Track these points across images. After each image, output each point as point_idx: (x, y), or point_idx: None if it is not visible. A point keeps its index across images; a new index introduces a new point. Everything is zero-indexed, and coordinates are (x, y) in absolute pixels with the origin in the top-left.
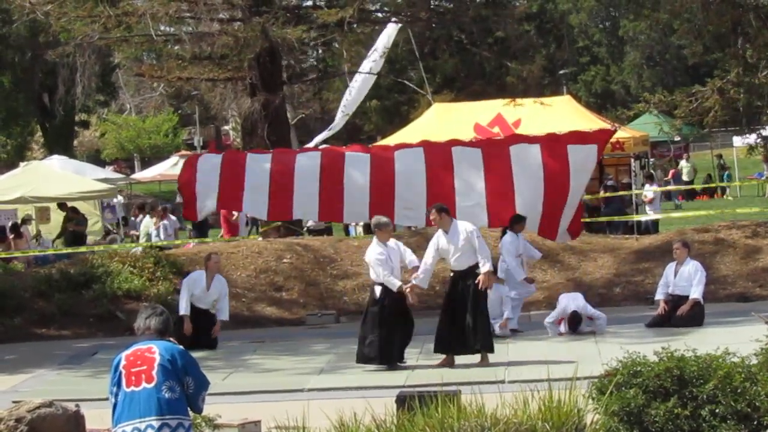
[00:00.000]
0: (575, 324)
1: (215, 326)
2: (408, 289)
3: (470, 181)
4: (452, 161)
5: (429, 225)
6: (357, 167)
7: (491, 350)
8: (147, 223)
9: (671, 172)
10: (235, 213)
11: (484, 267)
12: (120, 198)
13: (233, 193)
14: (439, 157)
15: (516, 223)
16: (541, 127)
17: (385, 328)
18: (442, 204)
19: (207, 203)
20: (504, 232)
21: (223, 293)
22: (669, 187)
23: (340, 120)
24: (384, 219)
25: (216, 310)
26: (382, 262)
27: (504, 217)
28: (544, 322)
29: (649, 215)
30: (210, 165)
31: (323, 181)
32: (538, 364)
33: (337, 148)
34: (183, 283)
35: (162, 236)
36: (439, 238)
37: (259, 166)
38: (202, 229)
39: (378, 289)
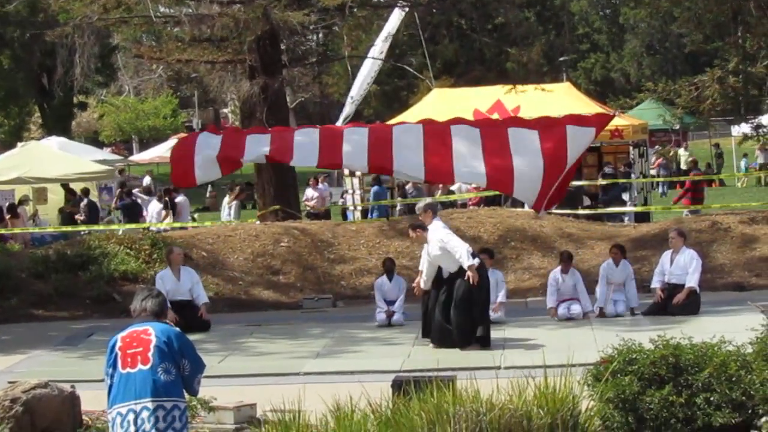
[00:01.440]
0: (567, 259)
1: (200, 310)
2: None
3: (468, 150)
4: (450, 135)
5: (427, 181)
6: (355, 132)
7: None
8: (155, 206)
9: (657, 161)
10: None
11: (466, 263)
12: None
13: (233, 152)
14: (437, 131)
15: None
16: (541, 114)
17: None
18: (418, 222)
19: (209, 170)
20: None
21: (195, 280)
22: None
23: (350, 108)
24: (420, 204)
25: (195, 298)
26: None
27: (502, 182)
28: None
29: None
30: (210, 137)
31: (322, 137)
32: (534, 350)
33: (335, 126)
34: (156, 285)
35: (233, 215)
36: (425, 249)
37: (258, 138)
38: (132, 214)
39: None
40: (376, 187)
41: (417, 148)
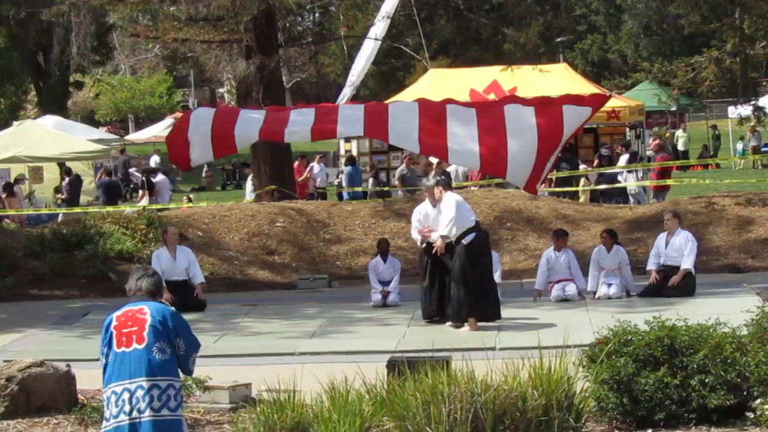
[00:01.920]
0: (561, 236)
1: (196, 290)
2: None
3: (463, 129)
4: (446, 114)
5: (422, 154)
6: (351, 107)
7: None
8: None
9: (654, 143)
10: (305, 173)
11: (441, 232)
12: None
13: (225, 138)
14: (432, 110)
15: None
16: (537, 94)
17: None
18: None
19: (202, 152)
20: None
21: (191, 259)
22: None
23: (349, 91)
24: (429, 182)
25: (191, 277)
26: (415, 216)
27: (496, 166)
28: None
29: (621, 183)
30: (203, 119)
31: (318, 113)
32: (529, 331)
33: (331, 105)
34: (152, 264)
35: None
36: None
37: (251, 115)
38: (111, 194)
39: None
40: (349, 168)
41: (412, 123)
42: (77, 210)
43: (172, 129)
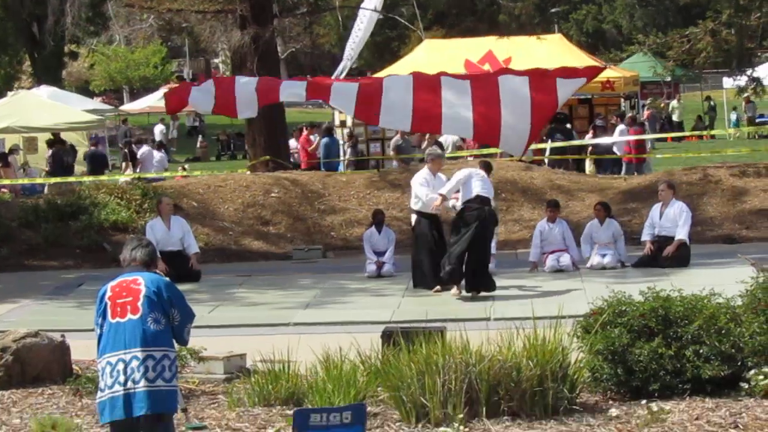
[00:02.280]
0: (554, 207)
1: (191, 260)
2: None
3: (457, 99)
4: (440, 86)
5: (413, 132)
6: (345, 83)
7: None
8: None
9: (647, 113)
10: (314, 142)
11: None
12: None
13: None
14: (427, 82)
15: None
16: (532, 65)
17: (419, 254)
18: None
19: (201, 102)
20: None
21: (186, 230)
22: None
23: (348, 63)
24: (438, 151)
25: (186, 248)
26: (418, 181)
27: (489, 135)
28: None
29: (616, 155)
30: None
31: (309, 85)
32: (523, 301)
33: (324, 78)
34: (146, 234)
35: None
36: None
37: (247, 88)
38: (97, 164)
39: (414, 217)
40: (326, 139)
41: (406, 96)
42: (72, 179)
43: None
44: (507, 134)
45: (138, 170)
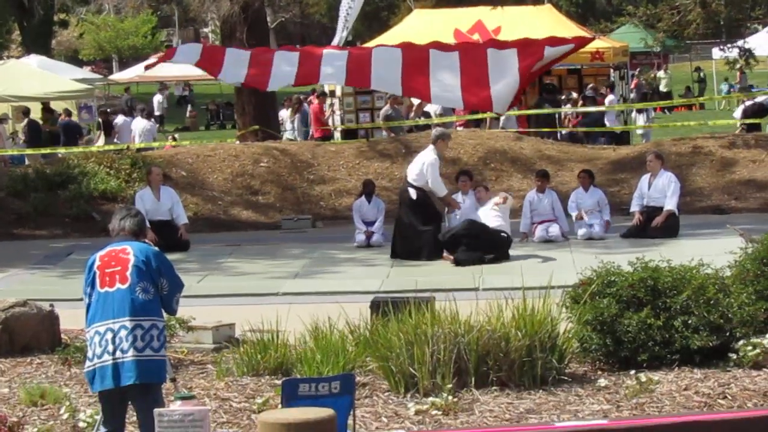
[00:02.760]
0: (543, 177)
1: (180, 230)
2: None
3: (446, 71)
4: (429, 58)
5: (404, 96)
6: (334, 54)
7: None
8: (141, 124)
9: (633, 82)
10: (327, 111)
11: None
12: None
13: (213, 61)
14: (415, 53)
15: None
16: (521, 34)
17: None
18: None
19: (189, 57)
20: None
21: (175, 200)
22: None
23: (344, 34)
24: (447, 130)
25: (175, 218)
26: (434, 165)
27: (478, 103)
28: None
29: (606, 125)
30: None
31: (302, 57)
32: (512, 271)
33: (314, 48)
34: (135, 204)
35: (296, 131)
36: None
37: (237, 59)
38: (70, 135)
39: (413, 192)
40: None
41: (395, 67)
42: (61, 150)
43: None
44: (497, 99)
45: (116, 140)
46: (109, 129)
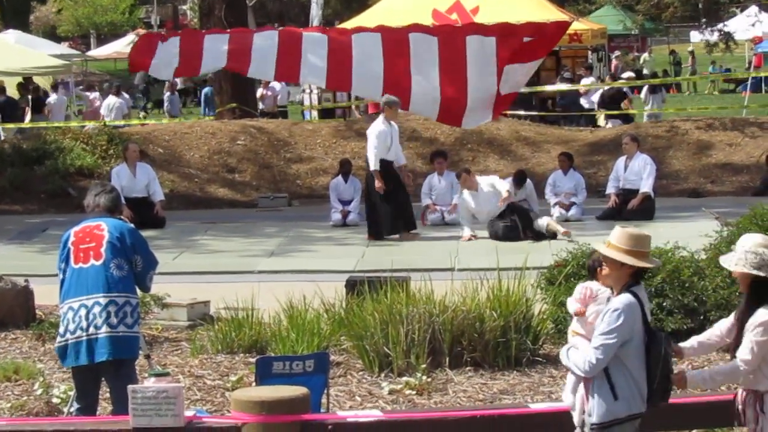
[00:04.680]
0: (519, 181)
1: (156, 207)
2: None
3: (426, 71)
4: (409, 49)
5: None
6: (314, 50)
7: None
8: (111, 101)
9: (614, 65)
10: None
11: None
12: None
13: (191, 61)
14: (396, 44)
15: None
16: (500, 15)
17: (368, 204)
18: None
19: (164, 68)
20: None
21: (151, 177)
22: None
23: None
24: (394, 98)
25: (151, 195)
26: (378, 137)
27: (452, 116)
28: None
29: (584, 107)
30: (168, 48)
31: (281, 45)
32: (488, 253)
33: (294, 29)
34: (112, 180)
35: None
36: None
37: (216, 47)
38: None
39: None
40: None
41: (377, 69)
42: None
43: (135, 48)
44: (470, 114)
45: (48, 118)
46: (39, 106)
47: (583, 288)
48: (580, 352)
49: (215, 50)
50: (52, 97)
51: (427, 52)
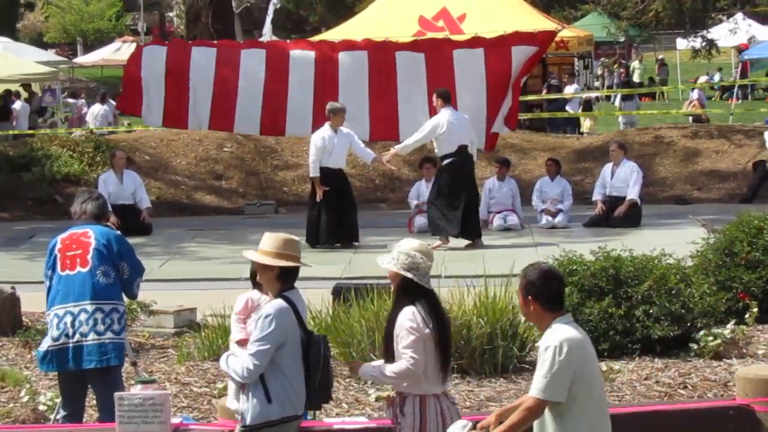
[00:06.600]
0: (503, 164)
1: (143, 214)
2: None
3: (413, 91)
4: (396, 69)
5: (372, 140)
6: (301, 72)
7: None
8: (96, 109)
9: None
10: None
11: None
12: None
13: (178, 109)
14: (382, 64)
15: None
16: (486, 22)
17: (312, 211)
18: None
19: (153, 114)
20: None
21: (138, 183)
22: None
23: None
24: (338, 105)
25: (138, 202)
26: (318, 145)
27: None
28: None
29: (568, 113)
30: (155, 60)
31: (267, 87)
32: (474, 259)
33: (283, 44)
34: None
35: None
36: None
37: (204, 70)
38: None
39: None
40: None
41: (363, 104)
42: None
43: (126, 74)
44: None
45: (14, 125)
46: (6, 114)
47: (244, 298)
48: (239, 359)
49: (201, 99)
50: (17, 104)
51: (414, 73)
